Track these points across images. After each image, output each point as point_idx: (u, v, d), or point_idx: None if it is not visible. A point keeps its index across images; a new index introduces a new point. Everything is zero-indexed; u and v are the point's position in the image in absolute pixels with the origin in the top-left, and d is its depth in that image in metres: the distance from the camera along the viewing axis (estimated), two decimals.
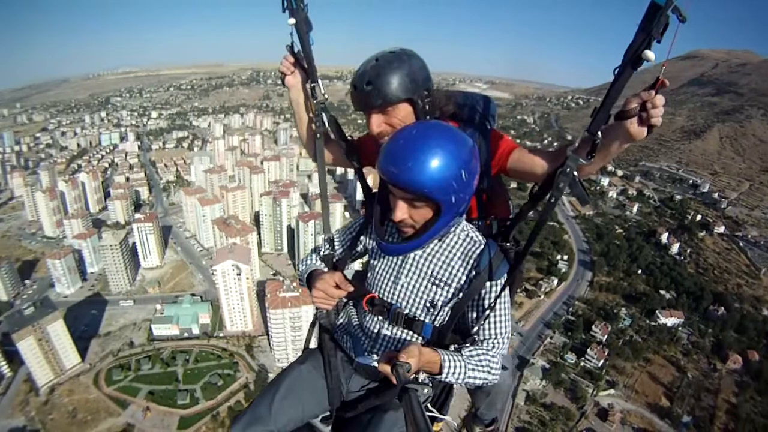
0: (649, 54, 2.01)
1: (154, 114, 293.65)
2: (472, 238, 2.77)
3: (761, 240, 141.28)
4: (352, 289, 2.87)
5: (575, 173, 2.43)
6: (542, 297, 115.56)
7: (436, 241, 2.75)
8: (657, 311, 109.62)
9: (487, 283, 2.67)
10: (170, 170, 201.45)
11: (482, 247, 2.71)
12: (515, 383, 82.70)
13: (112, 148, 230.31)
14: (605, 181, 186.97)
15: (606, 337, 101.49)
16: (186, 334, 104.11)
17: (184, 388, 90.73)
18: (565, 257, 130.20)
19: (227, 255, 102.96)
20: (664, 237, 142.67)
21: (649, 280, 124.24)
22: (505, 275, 2.71)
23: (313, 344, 3.53)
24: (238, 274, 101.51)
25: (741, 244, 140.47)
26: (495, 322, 2.71)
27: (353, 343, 3.16)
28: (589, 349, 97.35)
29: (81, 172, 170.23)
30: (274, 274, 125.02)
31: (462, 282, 2.72)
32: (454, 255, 2.74)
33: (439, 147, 2.28)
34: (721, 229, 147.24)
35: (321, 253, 3.35)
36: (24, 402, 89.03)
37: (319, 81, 3.26)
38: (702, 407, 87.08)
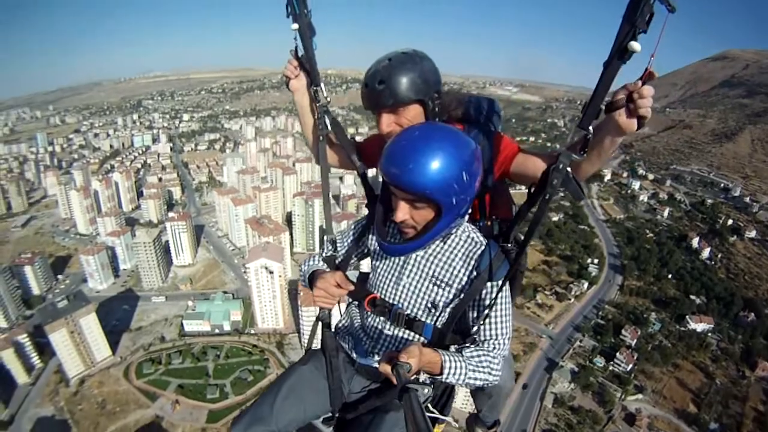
0: (635, 45, 1.95)
1: (185, 117, 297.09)
2: (473, 239, 2.79)
3: None
4: (352, 288, 2.91)
5: (569, 170, 2.40)
6: (572, 300, 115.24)
7: (437, 242, 2.78)
8: (687, 316, 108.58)
9: (488, 284, 2.69)
10: (202, 171, 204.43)
11: (483, 247, 2.74)
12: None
13: (144, 149, 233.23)
14: (636, 184, 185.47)
15: (635, 341, 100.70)
16: (217, 331, 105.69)
17: (214, 382, 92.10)
18: (596, 261, 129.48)
19: (260, 253, 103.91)
20: (695, 241, 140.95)
21: (680, 285, 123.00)
22: (506, 276, 2.72)
23: (315, 345, 3.50)
24: (271, 272, 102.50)
25: None
26: (496, 323, 2.72)
27: (355, 343, 3.20)
28: (618, 353, 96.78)
29: (114, 172, 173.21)
30: None
31: (463, 283, 2.75)
32: (456, 256, 2.77)
33: (441, 149, 2.28)
34: (753, 234, 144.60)
35: (323, 254, 3.37)
36: (54, 392, 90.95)
37: (322, 84, 3.32)
38: (729, 414, 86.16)
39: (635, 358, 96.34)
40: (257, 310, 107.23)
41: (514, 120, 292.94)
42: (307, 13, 3.00)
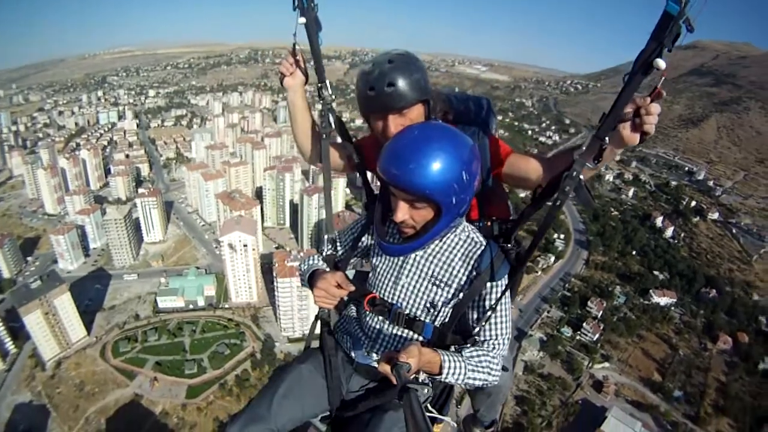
0: (660, 62, 2.03)
1: (151, 93, 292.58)
2: (473, 239, 2.84)
3: (754, 228, 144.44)
4: (353, 288, 2.91)
5: (581, 177, 2.48)
6: (539, 273, 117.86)
7: (436, 241, 2.82)
8: (650, 291, 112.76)
9: (488, 284, 2.73)
10: (170, 147, 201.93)
11: (483, 248, 2.78)
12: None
13: (110, 126, 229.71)
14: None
15: (601, 313, 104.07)
16: (191, 306, 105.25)
17: (191, 358, 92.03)
18: (562, 236, 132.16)
19: (234, 227, 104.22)
20: (658, 221, 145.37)
21: (644, 261, 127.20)
22: (506, 276, 2.78)
23: (314, 344, 3.55)
24: (245, 246, 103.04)
25: (734, 231, 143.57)
26: (495, 323, 2.77)
27: (353, 342, 3.23)
28: (584, 324, 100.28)
29: (82, 149, 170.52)
30: (277, 248, 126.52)
31: (462, 282, 2.78)
32: (455, 256, 2.81)
33: (441, 149, 2.34)
34: (715, 216, 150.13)
35: (323, 254, 3.40)
36: (30, 377, 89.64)
37: (327, 81, 3.29)
38: (692, 384, 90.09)
39: (601, 328, 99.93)
40: (231, 285, 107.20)
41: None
42: (314, 7, 3.01)
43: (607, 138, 2.34)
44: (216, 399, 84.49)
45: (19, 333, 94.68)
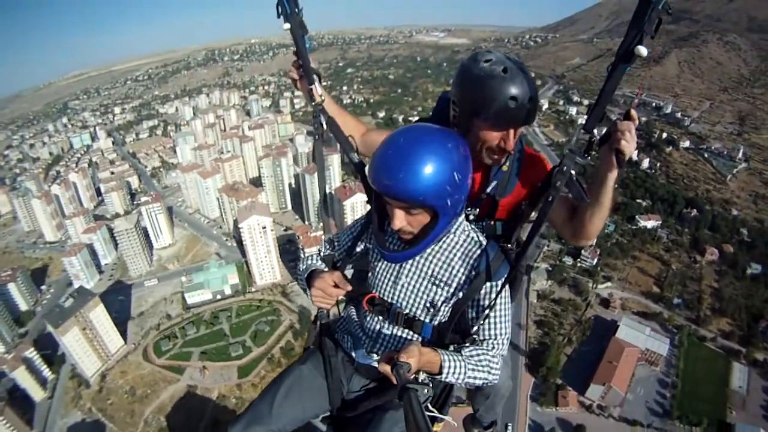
0: (642, 49, 2.04)
1: (117, 110, 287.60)
2: (472, 238, 2.85)
3: (724, 150, 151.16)
4: (350, 288, 2.94)
5: (573, 172, 2.49)
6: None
7: (435, 241, 2.79)
8: (636, 216, 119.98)
9: (487, 284, 2.74)
10: (152, 157, 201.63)
11: (482, 247, 2.79)
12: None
13: (86, 149, 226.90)
14: (573, 110, 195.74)
15: (595, 240, 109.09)
16: (219, 296, 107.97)
17: (234, 341, 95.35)
18: None
19: (250, 212, 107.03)
20: (634, 154, 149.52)
21: (626, 192, 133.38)
22: (506, 276, 2.77)
23: (313, 344, 3.53)
24: (264, 228, 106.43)
25: (706, 155, 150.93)
26: (495, 323, 2.78)
27: (353, 342, 3.28)
28: (582, 251, 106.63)
29: (70, 173, 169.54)
30: (286, 230, 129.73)
31: (462, 282, 2.80)
32: (455, 255, 2.83)
33: (430, 153, 2.30)
34: (687, 144, 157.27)
35: (322, 254, 3.44)
36: (76, 397, 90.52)
37: (317, 83, 3.40)
38: (689, 292, 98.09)
39: (598, 253, 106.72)
40: (254, 268, 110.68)
41: (445, 64, 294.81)
42: (298, 12, 3.10)
43: (595, 131, 2.42)
44: (267, 373, 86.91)
45: (53, 358, 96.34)
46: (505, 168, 3.10)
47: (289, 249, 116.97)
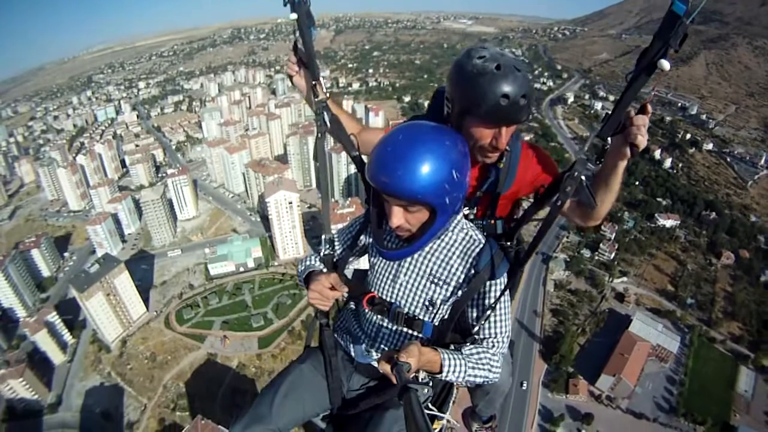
0: (665, 63, 2.00)
1: (141, 84, 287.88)
2: (471, 236, 2.86)
3: (747, 156, 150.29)
4: (346, 290, 3.06)
5: (583, 178, 2.46)
6: None
7: (434, 239, 2.78)
8: (656, 215, 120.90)
9: (487, 282, 2.76)
10: (177, 132, 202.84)
11: (482, 246, 2.79)
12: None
13: (110, 122, 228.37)
14: (598, 105, 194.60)
15: (614, 235, 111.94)
16: (242, 269, 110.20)
17: (255, 312, 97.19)
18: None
19: (277, 187, 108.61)
20: (657, 153, 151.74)
21: (647, 190, 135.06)
22: (505, 275, 2.81)
23: (314, 343, 3.59)
24: (290, 203, 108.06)
25: (728, 160, 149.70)
26: (495, 322, 2.80)
27: (353, 341, 3.31)
28: (601, 244, 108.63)
29: (96, 144, 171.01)
30: (310, 207, 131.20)
31: (461, 280, 2.81)
32: (453, 253, 2.84)
33: (428, 151, 2.30)
34: (710, 146, 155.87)
35: (321, 254, 3.42)
36: (96, 361, 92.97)
37: (321, 78, 3.26)
38: (702, 294, 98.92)
39: (616, 248, 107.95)
40: (278, 242, 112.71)
41: None
42: (306, 1, 2.91)
43: (609, 138, 2.38)
44: (287, 345, 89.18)
45: (74, 324, 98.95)
46: (501, 165, 3.10)
47: (312, 226, 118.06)
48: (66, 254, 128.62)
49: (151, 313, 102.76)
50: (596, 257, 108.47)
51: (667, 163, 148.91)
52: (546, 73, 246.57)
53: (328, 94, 3.34)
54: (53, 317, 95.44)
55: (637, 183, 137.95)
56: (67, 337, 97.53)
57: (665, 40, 1.96)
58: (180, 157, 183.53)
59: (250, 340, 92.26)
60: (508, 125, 2.70)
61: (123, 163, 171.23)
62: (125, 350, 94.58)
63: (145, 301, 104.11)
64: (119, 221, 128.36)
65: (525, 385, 79.42)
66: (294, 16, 2.87)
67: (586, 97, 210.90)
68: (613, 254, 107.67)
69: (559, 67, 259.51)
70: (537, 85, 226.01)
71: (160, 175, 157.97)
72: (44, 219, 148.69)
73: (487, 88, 2.49)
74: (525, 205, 3.34)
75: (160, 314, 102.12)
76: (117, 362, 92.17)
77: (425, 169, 2.25)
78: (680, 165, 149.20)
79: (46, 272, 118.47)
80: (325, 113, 3.27)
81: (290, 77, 3.40)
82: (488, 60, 2.53)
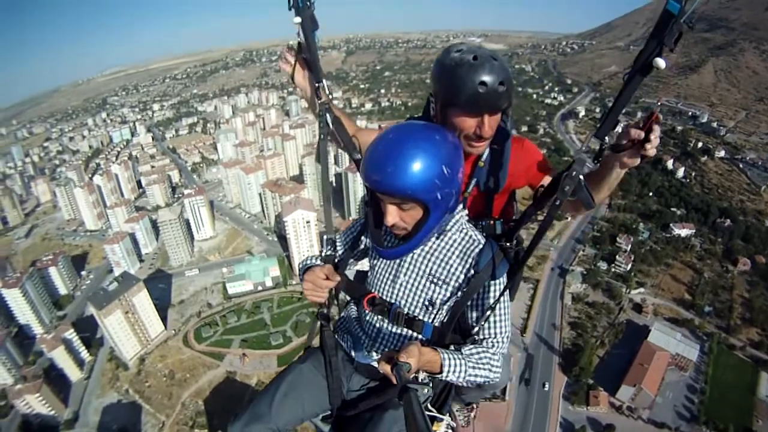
0: (660, 62, 1.99)
1: (156, 107, 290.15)
2: (471, 236, 2.89)
3: (759, 161, 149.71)
4: (338, 279, 3.02)
5: (581, 177, 2.48)
6: (569, 219, 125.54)
7: (433, 239, 2.88)
8: (670, 225, 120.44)
9: (487, 282, 2.80)
10: (192, 153, 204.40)
11: (481, 246, 2.83)
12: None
13: (125, 143, 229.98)
14: None
15: (630, 246, 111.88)
16: (260, 288, 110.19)
17: (274, 331, 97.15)
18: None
19: (295, 207, 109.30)
20: (669, 163, 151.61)
21: (661, 201, 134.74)
22: (505, 275, 2.85)
23: (314, 343, 3.60)
24: (308, 222, 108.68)
25: (741, 166, 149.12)
26: (495, 322, 2.83)
27: (354, 342, 3.34)
28: (617, 256, 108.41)
29: (113, 165, 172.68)
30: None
31: (461, 280, 2.83)
32: (453, 253, 2.86)
33: (417, 148, 2.34)
34: (722, 154, 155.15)
35: (323, 254, 3.41)
36: (113, 378, 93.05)
37: (324, 81, 3.33)
38: (720, 301, 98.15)
39: (632, 259, 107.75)
40: (296, 261, 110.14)
41: None
42: (310, 5, 3.00)
43: (607, 138, 2.41)
44: None
45: (91, 341, 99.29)
46: (481, 164, 3.18)
47: None
48: (83, 273, 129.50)
49: (169, 331, 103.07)
50: (613, 269, 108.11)
51: (680, 172, 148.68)
52: (556, 88, 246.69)
53: (331, 97, 3.44)
54: (71, 334, 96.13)
55: (651, 194, 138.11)
56: (85, 354, 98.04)
57: (660, 39, 1.97)
58: (196, 178, 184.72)
59: (270, 358, 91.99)
60: (490, 113, 2.74)
61: (139, 183, 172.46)
62: (143, 368, 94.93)
63: (163, 319, 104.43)
64: (136, 241, 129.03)
65: (547, 386, 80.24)
66: (298, 19, 3.00)
67: (597, 110, 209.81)
68: (629, 266, 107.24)
69: (569, 82, 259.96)
70: (548, 101, 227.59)
71: (176, 195, 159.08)
72: (61, 238, 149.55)
73: (465, 78, 2.59)
74: (523, 205, 3.37)
75: (179, 332, 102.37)
76: (135, 379, 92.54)
77: (415, 165, 2.30)
78: (693, 174, 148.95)
79: (63, 290, 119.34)
80: (327, 115, 3.37)
81: (292, 77, 3.50)
82: (465, 53, 2.65)
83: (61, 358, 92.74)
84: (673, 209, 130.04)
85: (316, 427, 3.55)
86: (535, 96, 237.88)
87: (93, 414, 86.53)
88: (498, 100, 2.63)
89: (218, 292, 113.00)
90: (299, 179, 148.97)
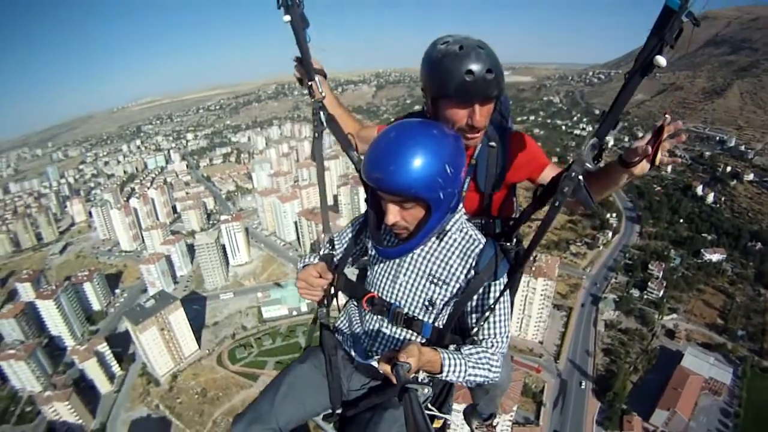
0: (661, 60, 1.95)
1: (189, 136, 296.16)
2: (471, 236, 2.80)
3: None
4: (331, 277, 2.97)
5: (581, 178, 2.40)
6: (601, 248, 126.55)
7: (433, 239, 2.78)
8: (702, 250, 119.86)
9: (487, 283, 2.72)
10: (227, 182, 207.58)
11: (482, 245, 2.75)
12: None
13: (160, 170, 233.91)
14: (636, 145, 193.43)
15: (662, 273, 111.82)
16: (295, 313, 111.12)
17: None
18: (614, 214, 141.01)
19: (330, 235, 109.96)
20: (699, 189, 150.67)
21: (691, 227, 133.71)
22: (505, 275, 2.78)
23: (314, 343, 3.49)
24: None
25: None
26: (495, 322, 2.76)
27: (354, 342, 3.20)
28: (649, 283, 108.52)
29: (150, 189, 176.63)
30: None
31: (461, 281, 2.75)
32: (453, 253, 2.77)
33: (419, 145, 2.27)
34: (751, 177, 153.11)
35: (321, 253, 3.33)
36: (144, 393, 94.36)
37: (317, 79, 3.37)
38: (753, 325, 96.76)
39: (664, 285, 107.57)
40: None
41: (511, 102, 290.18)
42: (299, 4, 2.99)
43: (607, 138, 2.33)
44: None
45: (122, 356, 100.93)
46: (473, 162, 3.19)
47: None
48: (117, 291, 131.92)
49: (203, 351, 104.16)
50: (645, 296, 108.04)
51: (710, 198, 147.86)
52: (585, 119, 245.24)
53: (324, 95, 3.49)
54: (103, 347, 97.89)
55: (681, 221, 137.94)
56: (116, 368, 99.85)
57: (661, 36, 1.94)
58: (230, 205, 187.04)
59: None
60: (480, 102, 2.72)
61: (174, 209, 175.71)
62: (175, 384, 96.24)
63: (197, 339, 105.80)
64: (172, 263, 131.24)
65: (584, 384, 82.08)
66: (287, 18, 3.00)
67: (626, 139, 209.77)
68: (661, 292, 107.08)
69: (597, 112, 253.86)
70: (576, 132, 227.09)
71: (211, 222, 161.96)
72: (95, 256, 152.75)
73: (452, 67, 2.58)
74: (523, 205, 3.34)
75: (212, 352, 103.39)
76: (166, 395, 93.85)
77: (417, 163, 2.24)
78: (723, 198, 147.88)
79: (96, 306, 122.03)
80: (321, 113, 3.44)
81: (299, 81, 3.58)
82: (451, 43, 2.64)
83: (92, 369, 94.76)
84: (704, 235, 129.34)
85: (317, 427, 3.62)
86: (563, 127, 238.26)
87: (121, 426, 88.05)
88: (487, 89, 2.64)
89: (253, 315, 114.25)
90: (334, 209, 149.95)
